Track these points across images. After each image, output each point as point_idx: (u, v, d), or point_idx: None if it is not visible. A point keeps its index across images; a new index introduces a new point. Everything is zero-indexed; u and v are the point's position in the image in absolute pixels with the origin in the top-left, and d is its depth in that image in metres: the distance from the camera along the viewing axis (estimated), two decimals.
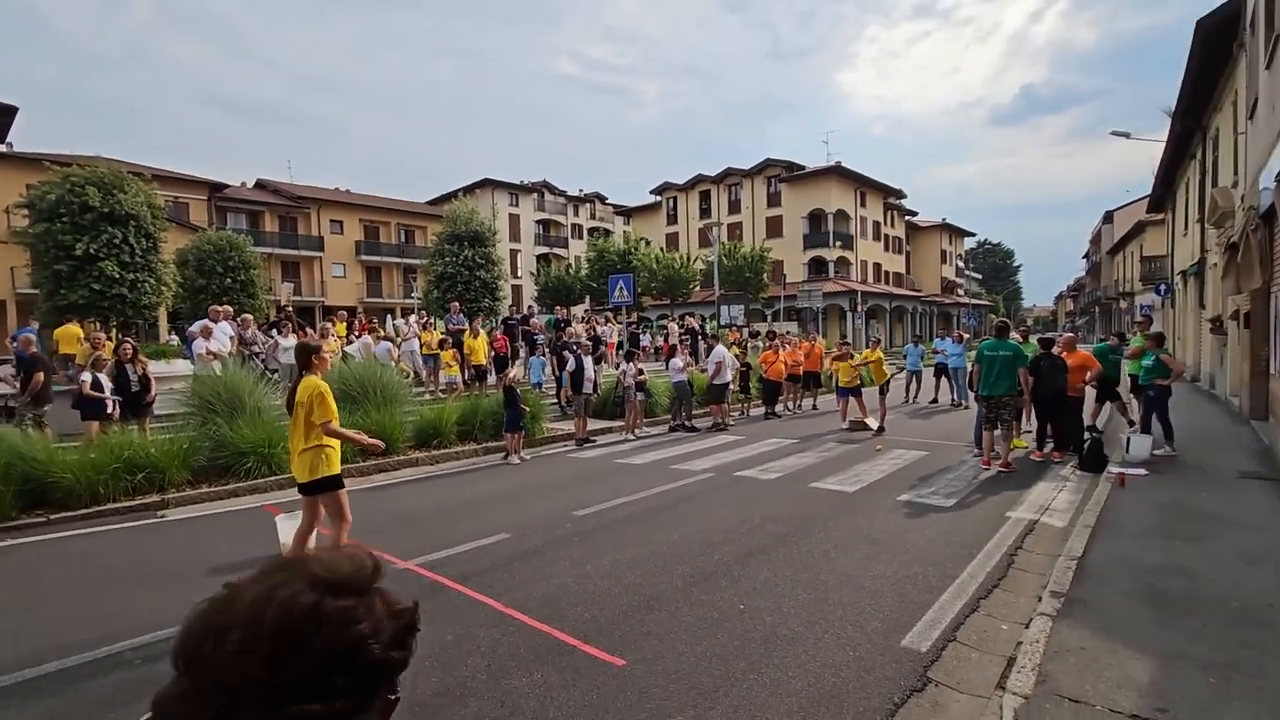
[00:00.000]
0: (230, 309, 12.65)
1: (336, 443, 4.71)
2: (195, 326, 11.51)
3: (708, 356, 13.50)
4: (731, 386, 13.70)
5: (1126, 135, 22.10)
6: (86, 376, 8.39)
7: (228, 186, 36.84)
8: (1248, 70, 10.31)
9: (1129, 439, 8.29)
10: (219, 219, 34.82)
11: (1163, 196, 22.34)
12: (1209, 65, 12.47)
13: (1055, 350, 9.01)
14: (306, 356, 4.79)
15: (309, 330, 15.14)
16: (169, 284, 16.46)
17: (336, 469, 4.67)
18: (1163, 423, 8.49)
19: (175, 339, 18.98)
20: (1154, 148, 19.09)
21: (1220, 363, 14.45)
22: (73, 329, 12.59)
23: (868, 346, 13.45)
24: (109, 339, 11.44)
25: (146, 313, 16.44)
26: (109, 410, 8.44)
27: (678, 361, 12.80)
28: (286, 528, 5.46)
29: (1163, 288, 24.35)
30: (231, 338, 11.42)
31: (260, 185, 41.13)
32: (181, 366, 12.05)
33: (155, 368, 10.94)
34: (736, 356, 14.75)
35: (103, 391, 8.42)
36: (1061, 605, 4.02)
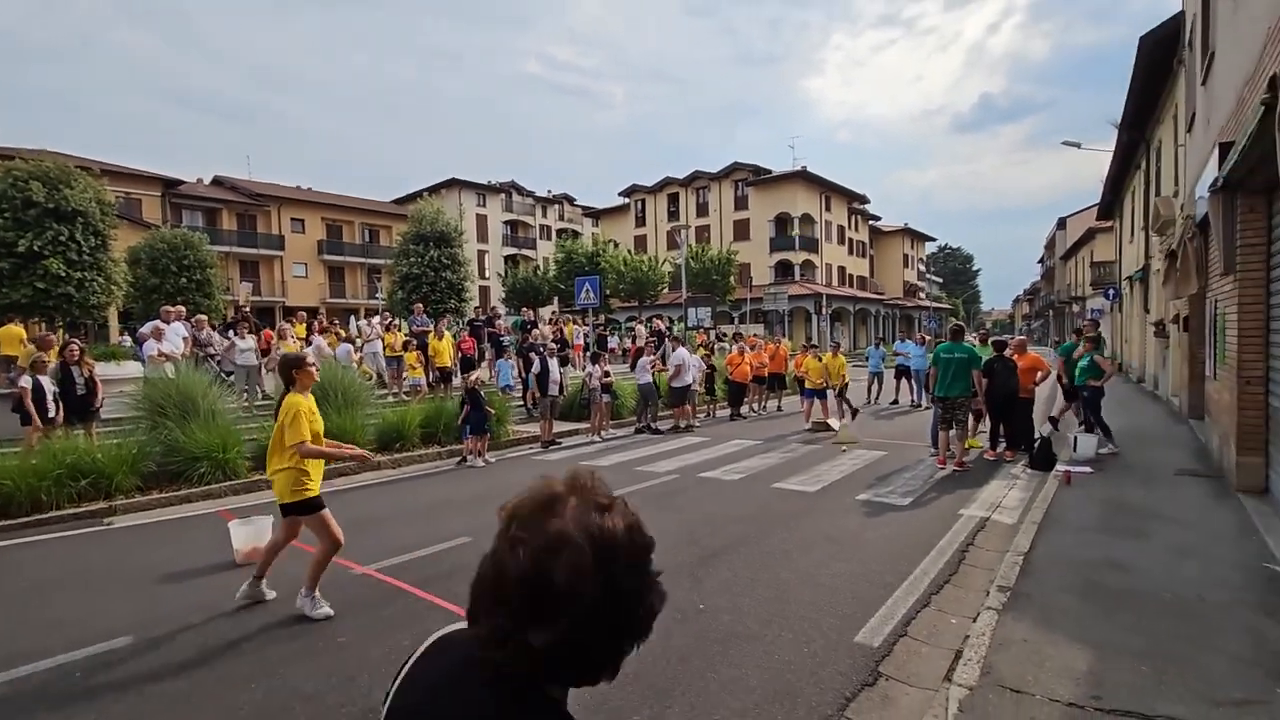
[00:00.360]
0: (183, 309, 12.29)
1: (316, 463, 4.38)
2: (146, 328, 11.15)
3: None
4: (697, 388, 13.80)
5: (1077, 145, 22.96)
6: (26, 381, 8.06)
7: (183, 183, 35.71)
8: (1187, 85, 10.80)
9: (1076, 438, 8.62)
10: (174, 216, 33.75)
11: (1111, 204, 23.23)
12: (1152, 80, 13.03)
13: (1007, 353, 9.31)
14: (288, 371, 4.37)
15: (270, 331, 14.77)
16: (119, 283, 15.92)
17: (314, 491, 4.32)
18: (1097, 422, 8.85)
19: (128, 340, 18.37)
20: (1104, 157, 19.84)
21: (1163, 365, 15.10)
22: (15, 330, 12.08)
23: (828, 350, 13.72)
24: (58, 340, 11.02)
25: (95, 313, 15.88)
26: (50, 414, 8.13)
27: (644, 362, 12.84)
28: (240, 534, 5.35)
29: (1111, 292, 25.32)
30: (185, 339, 11.08)
31: (217, 182, 39.96)
32: (132, 369, 11.67)
33: (105, 370, 10.58)
34: (703, 358, 14.87)
35: (44, 395, 8.10)
36: (1007, 599, 4.17)
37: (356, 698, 3.28)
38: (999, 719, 2.92)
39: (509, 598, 0.75)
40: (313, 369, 4.47)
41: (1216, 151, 6.25)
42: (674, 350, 13.64)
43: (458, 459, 9.84)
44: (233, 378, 11.38)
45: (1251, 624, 3.73)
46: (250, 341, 11.50)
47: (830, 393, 12.81)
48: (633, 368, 12.86)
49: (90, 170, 15.77)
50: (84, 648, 3.86)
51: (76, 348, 8.84)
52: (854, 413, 13.07)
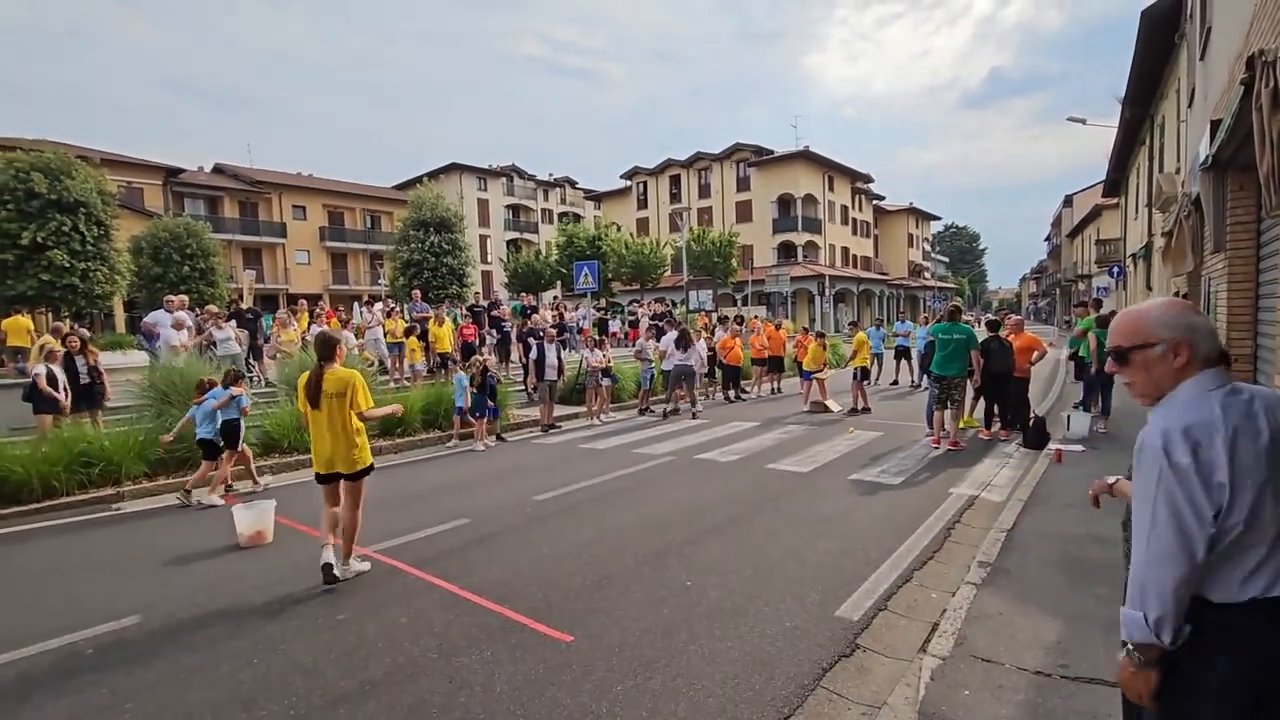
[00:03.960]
0: (186, 299, 12.40)
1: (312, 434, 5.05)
2: (150, 319, 11.27)
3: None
4: (701, 371, 13.79)
5: (1082, 121, 22.72)
6: (40, 370, 8.23)
7: (184, 171, 35.80)
8: (1187, 60, 10.68)
9: (1069, 416, 8.68)
10: (175, 205, 33.88)
11: (1116, 181, 23.04)
12: (1155, 54, 12.86)
13: (1004, 333, 9.35)
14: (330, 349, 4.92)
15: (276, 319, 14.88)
16: (123, 273, 16.08)
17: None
18: (1086, 398, 9.27)
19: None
20: (1111, 133, 19.60)
21: None
22: (22, 320, 12.27)
23: (847, 328, 13.70)
24: (70, 330, 11.16)
25: (100, 303, 16.05)
26: (62, 403, 8.30)
27: (670, 346, 12.55)
28: (243, 517, 5.50)
29: (1116, 270, 25.15)
30: (188, 328, 11.22)
31: (218, 170, 40.01)
32: (138, 358, 11.83)
33: (111, 359, 10.71)
34: (704, 340, 14.88)
35: (57, 384, 8.27)
36: (987, 574, 4.27)
37: (354, 671, 3.42)
38: (967, 686, 3.04)
39: None
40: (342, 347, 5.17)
41: (1209, 129, 6.23)
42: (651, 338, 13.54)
43: (465, 441, 9.98)
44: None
45: None
46: (228, 331, 11.36)
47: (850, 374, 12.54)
48: (686, 347, 12.42)
49: (90, 160, 15.87)
50: (94, 626, 4.02)
51: (77, 338, 9.02)
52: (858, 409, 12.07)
